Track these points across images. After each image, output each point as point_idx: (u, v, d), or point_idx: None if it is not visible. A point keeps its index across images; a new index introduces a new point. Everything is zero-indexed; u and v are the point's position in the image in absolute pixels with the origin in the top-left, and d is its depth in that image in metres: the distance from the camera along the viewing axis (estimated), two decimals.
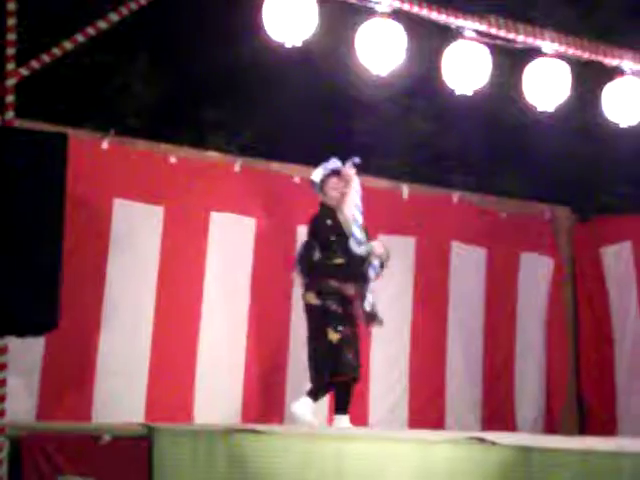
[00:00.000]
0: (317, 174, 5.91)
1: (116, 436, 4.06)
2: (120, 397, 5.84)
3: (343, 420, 5.66)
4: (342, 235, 5.75)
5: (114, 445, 4.04)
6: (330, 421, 5.99)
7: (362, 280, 5.72)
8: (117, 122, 6.24)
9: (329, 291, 5.69)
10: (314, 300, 5.70)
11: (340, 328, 5.64)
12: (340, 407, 5.69)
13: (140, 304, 6.02)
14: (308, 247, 5.81)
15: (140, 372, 5.92)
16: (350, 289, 5.73)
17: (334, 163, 5.94)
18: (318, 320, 5.68)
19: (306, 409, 5.56)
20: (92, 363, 5.77)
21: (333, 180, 5.91)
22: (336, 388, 5.70)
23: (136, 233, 6.06)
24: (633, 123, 6.02)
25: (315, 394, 5.63)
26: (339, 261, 5.76)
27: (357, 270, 5.72)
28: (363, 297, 5.72)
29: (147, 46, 6.58)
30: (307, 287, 5.76)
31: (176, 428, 4.02)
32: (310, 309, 5.74)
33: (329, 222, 5.80)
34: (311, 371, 5.69)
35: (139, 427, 4.03)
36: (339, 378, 5.63)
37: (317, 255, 5.78)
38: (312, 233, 5.84)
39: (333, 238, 5.75)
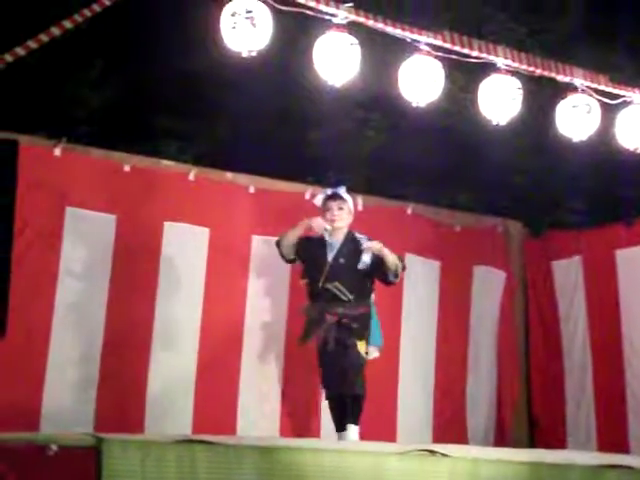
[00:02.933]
0: (317, 200, 5.94)
1: (63, 446, 4.00)
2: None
3: (354, 431, 5.61)
4: None
5: (61, 456, 3.98)
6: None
7: None
8: (70, 129, 6.18)
9: (314, 311, 5.73)
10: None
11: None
12: (355, 417, 5.63)
13: (91, 311, 5.96)
14: None
15: None
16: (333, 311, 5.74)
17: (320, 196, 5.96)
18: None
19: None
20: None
21: (328, 204, 5.88)
22: (356, 400, 5.66)
23: (88, 242, 6.01)
24: (585, 138, 6.11)
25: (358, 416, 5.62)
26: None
27: None
28: None
29: (101, 53, 6.53)
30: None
31: (125, 438, 3.97)
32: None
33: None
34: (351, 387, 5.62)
35: (87, 437, 3.97)
36: (359, 391, 5.62)
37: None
38: None
39: None
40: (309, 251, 5.77)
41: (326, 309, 5.62)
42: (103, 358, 5.97)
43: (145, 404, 6.07)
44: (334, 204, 5.82)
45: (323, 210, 5.84)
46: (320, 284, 5.65)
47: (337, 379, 5.57)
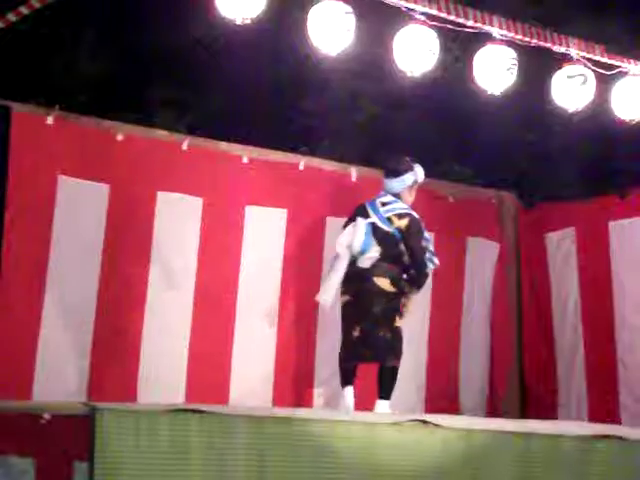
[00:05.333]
0: (422, 174, 5.98)
1: (56, 415, 4.01)
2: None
3: (385, 406, 5.65)
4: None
5: (54, 424, 3.99)
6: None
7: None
8: (63, 97, 6.13)
9: (400, 284, 5.74)
10: (389, 287, 5.69)
11: (403, 315, 5.74)
12: (386, 392, 5.69)
13: (83, 280, 5.95)
14: (395, 238, 5.77)
15: None
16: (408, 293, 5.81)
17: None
18: (386, 306, 5.66)
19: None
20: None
21: (415, 188, 5.97)
22: (385, 374, 5.70)
23: (81, 210, 5.99)
24: (580, 109, 6.09)
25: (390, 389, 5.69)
26: (407, 260, 5.79)
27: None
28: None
29: (94, 21, 6.48)
30: (379, 273, 5.70)
31: (118, 407, 3.98)
32: (378, 294, 5.68)
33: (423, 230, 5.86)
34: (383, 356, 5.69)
35: (80, 406, 3.98)
36: (393, 363, 5.68)
37: (402, 249, 5.77)
38: (411, 236, 5.80)
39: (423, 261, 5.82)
40: None
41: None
42: (96, 327, 5.97)
43: (138, 372, 6.08)
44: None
45: (413, 188, 5.97)
46: None
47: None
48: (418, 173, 5.97)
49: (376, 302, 5.68)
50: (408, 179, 5.95)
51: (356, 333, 5.70)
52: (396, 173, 5.94)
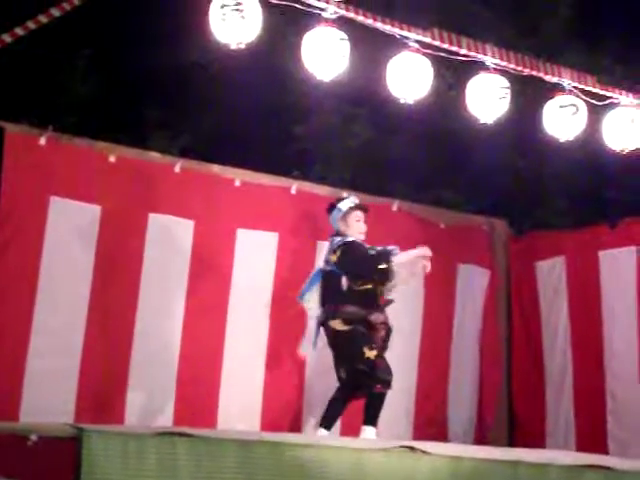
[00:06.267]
0: (345, 204, 5.90)
1: (43, 436, 3.99)
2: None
3: (371, 432, 5.62)
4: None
5: (41, 446, 3.96)
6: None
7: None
8: (56, 118, 6.15)
9: (355, 318, 5.68)
10: (341, 326, 5.67)
11: (374, 345, 5.67)
12: (372, 419, 5.65)
13: (73, 301, 5.94)
14: (334, 275, 5.73)
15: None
16: (377, 317, 5.76)
17: (354, 199, 5.96)
18: (349, 344, 5.65)
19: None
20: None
21: (357, 213, 5.91)
22: (371, 400, 5.66)
23: (71, 232, 5.98)
24: (571, 139, 6.13)
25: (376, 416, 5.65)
26: (366, 288, 5.73)
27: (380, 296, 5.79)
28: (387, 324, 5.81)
29: (89, 42, 6.51)
30: (332, 315, 5.69)
31: (106, 429, 3.95)
32: (337, 335, 5.69)
33: (365, 249, 5.77)
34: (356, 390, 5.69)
35: (67, 428, 3.95)
36: (378, 389, 5.63)
37: (345, 282, 5.73)
38: (343, 262, 5.73)
39: (366, 265, 5.72)
40: None
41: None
42: (85, 348, 5.94)
43: (126, 395, 6.05)
44: (363, 216, 5.90)
45: (347, 217, 5.87)
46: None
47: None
48: (346, 201, 5.95)
49: (339, 343, 5.71)
50: (336, 213, 5.92)
51: (342, 374, 5.73)
52: (330, 210, 5.97)
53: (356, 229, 5.87)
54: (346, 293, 5.71)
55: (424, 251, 5.83)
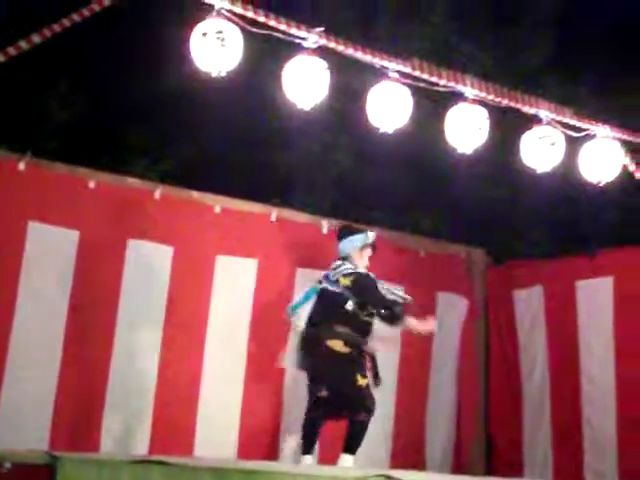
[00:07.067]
0: (370, 237, 5.97)
1: (18, 463, 3.96)
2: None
3: (349, 460, 5.62)
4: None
5: (15, 473, 3.93)
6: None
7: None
8: (36, 144, 6.15)
9: (355, 343, 5.73)
10: (340, 348, 5.69)
11: (365, 373, 5.72)
12: (352, 447, 5.65)
13: (50, 327, 5.91)
14: (341, 297, 5.76)
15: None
16: (369, 347, 5.82)
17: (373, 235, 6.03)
18: (344, 367, 5.68)
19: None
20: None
21: (370, 250, 5.98)
22: (354, 427, 5.66)
23: (50, 257, 5.96)
24: (549, 170, 6.19)
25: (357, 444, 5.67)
26: (367, 319, 5.79)
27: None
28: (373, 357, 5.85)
29: (69, 69, 6.52)
30: (332, 334, 5.71)
31: (80, 457, 3.94)
32: (332, 355, 5.69)
33: (378, 286, 5.83)
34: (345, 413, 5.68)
35: (42, 455, 3.93)
36: (363, 417, 5.64)
37: (351, 307, 5.76)
38: (358, 289, 5.77)
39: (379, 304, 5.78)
40: None
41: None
42: (61, 375, 5.91)
43: (102, 421, 6.01)
44: (371, 253, 5.97)
45: (364, 250, 5.94)
46: None
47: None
48: (369, 236, 6.01)
49: (334, 364, 5.70)
50: (357, 240, 5.97)
51: (323, 393, 5.70)
52: (346, 235, 6.00)
53: (364, 263, 5.95)
54: (350, 317, 5.74)
55: (431, 327, 5.93)
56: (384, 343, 5.93)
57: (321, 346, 5.71)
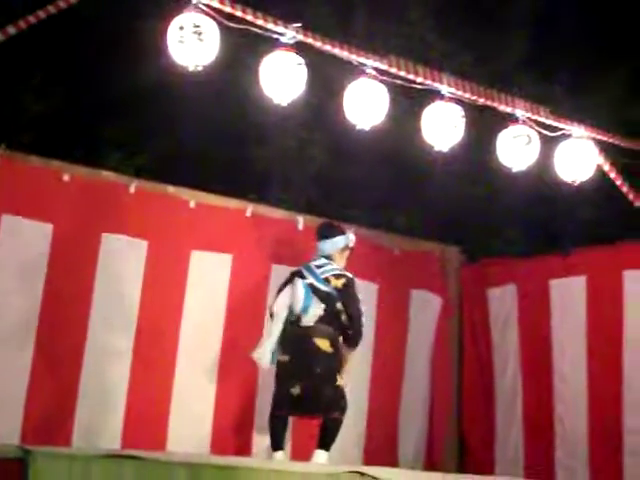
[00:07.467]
0: (352, 239, 6.04)
1: None
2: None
3: (323, 457, 5.64)
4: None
5: None
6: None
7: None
8: (10, 136, 6.10)
9: (338, 344, 5.79)
10: (327, 348, 5.72)
11: (342, 373, 5.78)
12: (326, 444, 5.68)
13: (23, 319, 5.87)
14: (332, 298, 5.79)
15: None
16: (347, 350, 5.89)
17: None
18: (327, 366, 5.70)
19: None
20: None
21: (348, 251, 6.05)
22: (328, 425, 5.71)
23: (23, 250, 5.92)
24: (524, 169, 6.21)
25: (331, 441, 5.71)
26: (346, 323, 5.84)
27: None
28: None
29: (44, 61, 6.47)
30: (320, 333, 5.74)
31: (52, 451, 3.91)
32: (318, 353, 5.72)
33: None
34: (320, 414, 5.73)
35: (14, 449, 3.91)
36: (338, 415, 5.70)
37: (339, 308, 5.80)
38: (348, 294, 5.82)
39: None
40: None
41: None
42: (33, 368, 5.87)
43: (74, 415, 5.98)
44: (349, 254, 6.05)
45: (345, 251, 6.03)
46: None
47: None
48: (350, 237, 6.04)
49: (317, 362, 5.71)
50: (339, 241, 6.01)
51: (296, 391, 5.70)
52: (329, 235, 6.01)
53: (344, 264, 6.00)
54: (335, 318, 5.78)
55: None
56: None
57: (308, 343, 5.72)
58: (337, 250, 5.98)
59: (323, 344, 5.72)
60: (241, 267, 6.72)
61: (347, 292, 5.82)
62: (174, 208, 6.51)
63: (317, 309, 5.77)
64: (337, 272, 5.86)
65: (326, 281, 5.81)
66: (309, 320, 5.76)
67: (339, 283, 5.81)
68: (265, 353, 5.79)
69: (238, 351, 6.54)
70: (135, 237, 6.35)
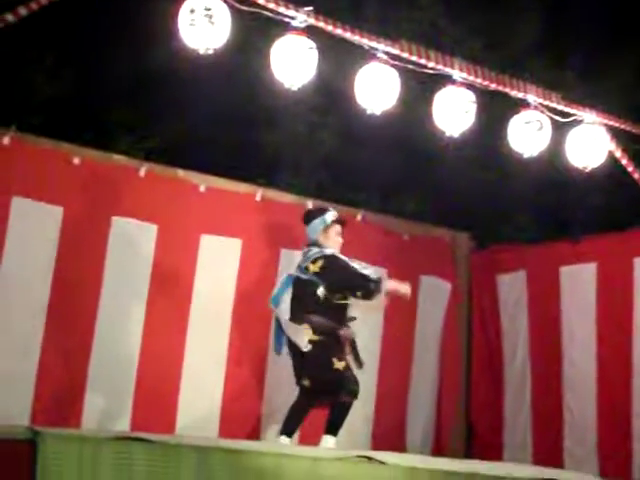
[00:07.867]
0: (329, 216, 5.92)
1: None
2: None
3: (331, 442, 5.64)
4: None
5: None
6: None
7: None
8: (21, 118, 6.10)
9: (326, 330, 5.69)
10: (310, 336, 5.66)
11: (342, 356, 5.71)
12: (334, 428, 5.67)
13: (33, 302, 5.88)
14: (310, 284, 5.73)
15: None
16: (345, 331, 5.79)
17: (335, 212, 5.99)
18: (318, 354, 5.65)
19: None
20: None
21: (338, 227, 5.94)
22: (336, 409, 5.69)
23: (33, 232, 5.93)
24: (535, 155, 6.19)
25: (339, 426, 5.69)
26: (341, 302, 5.77)
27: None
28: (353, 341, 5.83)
29: (56, 43, 6.46)
30: (302, 324, 5.69)
31: (61, 433, 3.93)
32: (309, 344, 5.67)
33: (351, 264, 5.76)
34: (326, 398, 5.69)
35: (23, 430, 3.92)
36: (345, 399, 5.67)
37: (322, 293, 5.73)
38: (327, 274, 5.72)
39: (354, 281, 5.72)
40: None
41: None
42: (43, 350, 5.89)
43: (84, 398, 6.01)
44: (342, 230, 5.94)
45: (328, 230, 5.90)
46: None
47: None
48: (326, 216, 5.97)
49: (307, 352, 5.67)
50: (317, 224, 5.93)
51: (306, 382, 5.72)
52: (307, 222, 5.99)
53: (335, 242, 5.91)
54: (321, 304, 5.72)
55: (407, 290, 5.87)
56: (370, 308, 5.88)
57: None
58: (318, 233, 5.92)
59: (307, 334, 5.70)
60: (250, 251, 6.73)
61: (327, 269, 5.71)
62: (184, 192, 6.51)
63: (285, 302, 5.75)
64: (315, 256, 5.79)
65: (306, 269, 5.79)
66: (283, 314, 5.74)
67: (317, 267, 5.76)
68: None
69: (247, 336, 6.56)
70: (145, 221, 6.35)
